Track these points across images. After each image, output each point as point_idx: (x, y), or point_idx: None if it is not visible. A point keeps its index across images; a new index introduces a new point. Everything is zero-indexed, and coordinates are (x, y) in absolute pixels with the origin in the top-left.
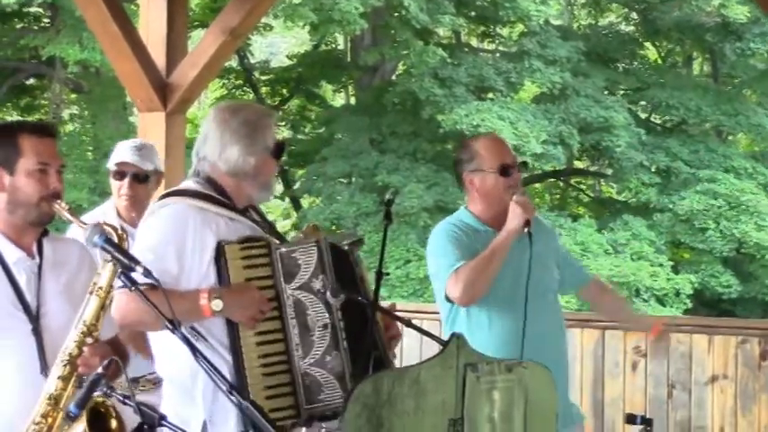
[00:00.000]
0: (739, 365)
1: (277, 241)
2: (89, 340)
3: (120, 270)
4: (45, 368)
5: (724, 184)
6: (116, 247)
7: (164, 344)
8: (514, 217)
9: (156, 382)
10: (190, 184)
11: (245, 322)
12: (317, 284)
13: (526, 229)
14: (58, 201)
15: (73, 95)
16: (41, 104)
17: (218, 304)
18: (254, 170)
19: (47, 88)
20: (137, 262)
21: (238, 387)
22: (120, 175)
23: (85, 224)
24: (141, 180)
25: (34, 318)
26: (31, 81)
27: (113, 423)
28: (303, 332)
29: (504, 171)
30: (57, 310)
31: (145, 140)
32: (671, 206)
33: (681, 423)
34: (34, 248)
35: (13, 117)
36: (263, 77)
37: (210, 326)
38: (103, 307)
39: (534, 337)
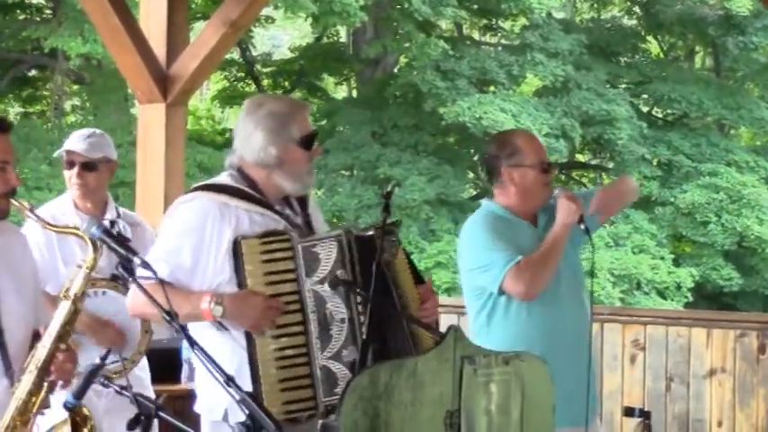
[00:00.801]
0: (738, 359)
1: (300, 234)
2: (62, 346)
3: (117, 262)
4: (8, 367)
5: (726, 177)
6: (114, 238)
7: (201, 332)
8: (569, 213)
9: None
10: (223, 177)
11: (248, 329)
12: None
13: (582, 225)
14: (15, 197)
15: (75, 87)
16: (43, 96)
17: (218, 310)
18: (277, 160)
19: (49, 80)
20: (134, 253)
21: (253, 380)
22: (69, 164)
23: (48, 223)
24: (90, 169)
25: None
26: (33, 72)
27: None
28: (322, 326)
29: (544, 168)
30: (11, 306)
31: (97, 129)
32: (672, 199)
33: (679, 416)
34: None
35: (15, 108)
36: (265, 70)
37: None
38: (76, 311)
39: (571, 330)
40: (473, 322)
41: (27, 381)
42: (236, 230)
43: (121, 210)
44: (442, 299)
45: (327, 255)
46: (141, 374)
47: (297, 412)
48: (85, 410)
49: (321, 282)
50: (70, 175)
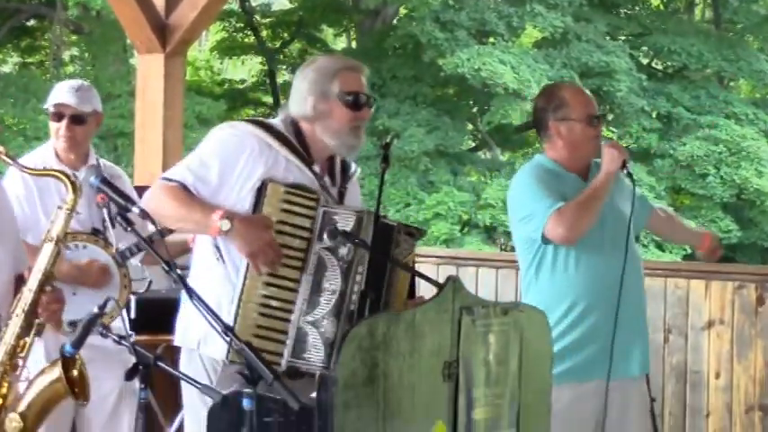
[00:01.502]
0: (736, 311)
1: (328, 200)
2: (47, 288)
3: (116, 211)
4: None
5: (725, 130)
6: (112, 187)
7: (199, 251)
8: (612, 159)
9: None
10: (276, 121)
11: (246, 256)
12: (344, 251)
13: (625, 170)
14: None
15: (73, 37)
16: (42, 46)
17: (226, 224)
18: (314, 112)
19: (47, 30)
20: (133, 202)
21: (234, 316)
22: (57, 116)
23: (25, 167)
24: (79, 122)
25: None
26: (32, 22)
27: (74, 372)
28: (314, 290)
29: (592, 121)
30: None
31: (84, 81)
32: (671, 152)
33: (677, 368)
34: None
35: (14, 58)
36: (264, 20)
37: (234, 251)
38: (59, 254)
39: (618, 281)
40: (523, 278)
41: (14, 324)
42: (268, 171)
43: (102, 161)
44: (440, 250)
45: (343, 226)
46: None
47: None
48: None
49: (328, 249)
50: (58, 128)
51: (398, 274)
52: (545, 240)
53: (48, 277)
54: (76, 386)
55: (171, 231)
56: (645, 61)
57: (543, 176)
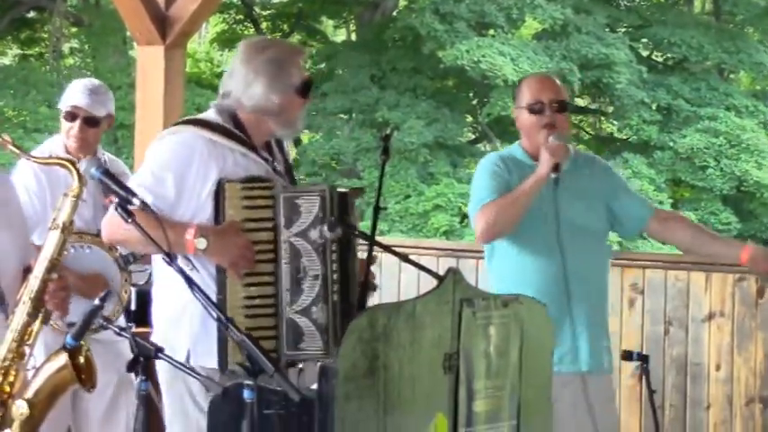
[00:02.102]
0: (736, 303)
1: (284, 184)
2: (53, 276)
3: (117, 202)
4: (2, 302)
5: (725, 122)
6: (113, 178)
7: (163, 266)
8: (543, 162)
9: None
10: (210, 114)
11: (227, 267)
12: (315, 234)
13: (554, 175)
14: (2, 135)
15: (73, 29)
16: (42, 38)
17: (201, 242)
18: (278, 108)
19: (47, 22)
20: (133, 194)
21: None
22: (71, 116)
23: (32, 155)
24: (92, 124)
25: None
26: (32, 14)
27: (81, 360)
28: (294, 279)
29: (534, 109)
30: (3, 243)
31: (100, 82)
32: (671, 144)
33: (677, 360)
34: None
35: (14, 50)
36: (264, 12)
37: (204, 259)
38: (65, 242)
39: (570, 277)
40: (487, 266)
41: (21, 312)
42: (221, 170)
43: (106, 156)
44: (441, 242)
45: (309, 208)
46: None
47: None
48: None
49: (298, 235)
50: (70, 128)
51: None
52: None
53: (54, 264)
54: (83, 373)
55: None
56: (645, 53)
57: (496, 168)
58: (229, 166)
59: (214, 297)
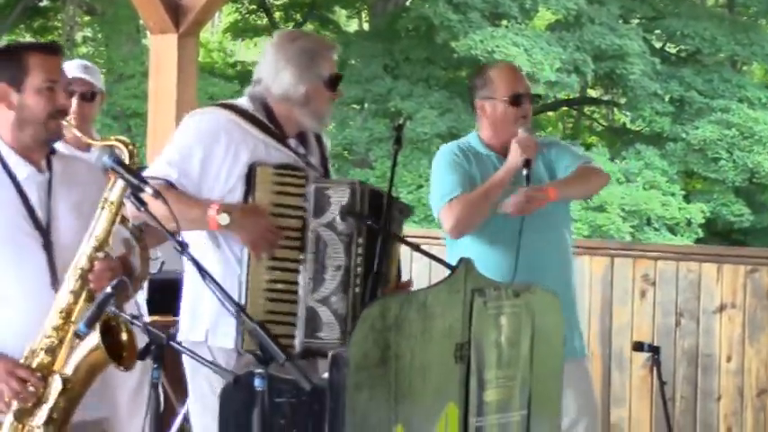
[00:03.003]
0: (748, 294)
1: (316, 175)
2: (100, 255)
3: (129, 191)
4: (55, 282)
5: (737, 114)
6: (125, 167)
7: (192, 245)
8: (514, 156)
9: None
10: (242, 101)
11: (248, 246)
12: (342, 226)
13: (525, 172)
14: (67, 118)
15: (86, 18)
16: (55, 26)
17: (224, 218)
18: (304, 98)
19: (60, 10)
20: (146, 182)
21: (241, 302)
22: (68, 93)
23: (95, 139)
24: (89, 98)
25: (45, 232)
26: (45, 3)
27: (123, 336)
28: (318, 268)
29: (515, 101)
30: (67, 226)
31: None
32: (684, 136)
33: (688, 351)
34: (44, 165)
35: (27, 39)
36: (277, 2)
37: (231, 240)
38: (114, 221)
39: (532, 269)
40: (448, 252)
41: (66, 288)
42: (252, 155)
43: None
44: None
45: (339, 200)
46: (140, 300)
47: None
48: (119, 317)
49: (326, 225)
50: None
51: (394, 246)
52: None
53: (101, 243)
54: (124, 350)
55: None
56: (658, 45)
57: (456, 159)
58: (260, 152)
59: (234, 275)
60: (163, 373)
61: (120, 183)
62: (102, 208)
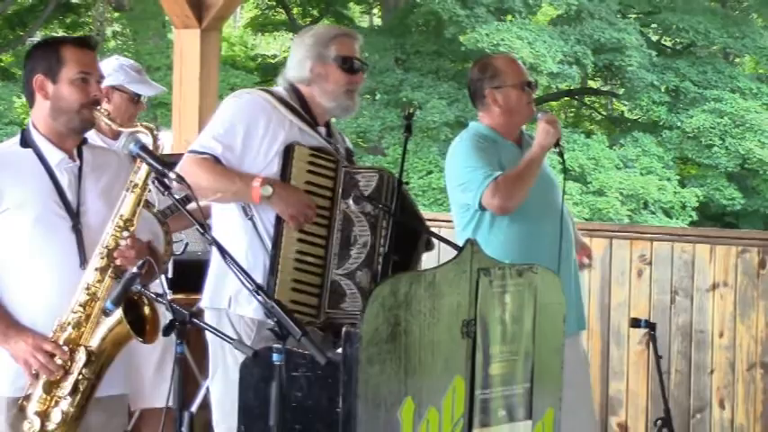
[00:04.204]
0: (739, 274)
1: (344, 161)
2: (125, 234)
3: (153, 176)
4: (84, 262)
5: (730, 103)
6: (150, 153)
7: (221, 217)
8: (547, 135)
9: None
10: (278, 89)
11: (286, 218)
12: (369, 207)
13: (557, 148)
14: (99, 108)
15: (115, 14)
16: (86, 22)
17: (267, 190)
18: (311, 75)
19: (91, 7)
20: (170, 168)
21: (270, 272)
22: (131, 100)
23: (124, 128)
24: (137, 99)
25: (74, 215)
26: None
27: (147, 310)
28: (344, 244)
29: (525, 87)
30: (95, 210)
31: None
32: (679, 124)
33: (682, 327)
34: (75, 153)
35: (59, 34)
36: None
37: (263, 211)
38: (139, 203)
39: (554, 244)
40: (459, 236)
41: (93, 266)
42: (288, 136)
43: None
44: None
45: (367, 184)
46: (163, 279)
47: (299, 314)
48: (143, 294)
49: (354, 202)
50: (122, 106)
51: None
52: (482, 208)
53: (126, 223)
54: (148, 324)
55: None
56: (654, 38)
57: (481, 144)
58: (295, 135)
59: (263, 248)
60: (186, 348)
61: (145, 167)
62: (128, 190)
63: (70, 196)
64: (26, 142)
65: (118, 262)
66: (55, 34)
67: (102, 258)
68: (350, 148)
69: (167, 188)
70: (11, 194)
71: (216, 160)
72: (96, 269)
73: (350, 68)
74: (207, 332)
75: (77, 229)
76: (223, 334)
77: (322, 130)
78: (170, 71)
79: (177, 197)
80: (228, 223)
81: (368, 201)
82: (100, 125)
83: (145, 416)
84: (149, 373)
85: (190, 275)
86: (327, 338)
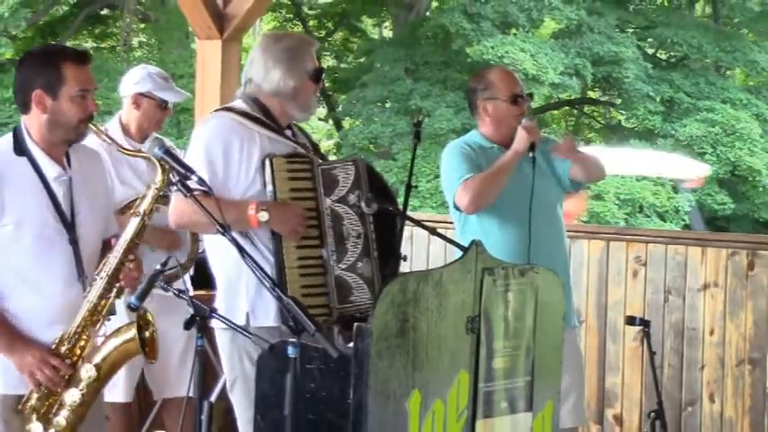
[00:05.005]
0: (729, 275)
1: (319, 159)
2: (130, 257)
3: (177, 179)
4: (81, 274)
5: (721, 113)
6: (174, 157)
7: (215, 243)
8: (521, 140)
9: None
10: (238, 103)
11: (286, 235)
12: (353, 198)
13: (531, 153)
14: (93, 121)
15: (141, 25)
16: (113, 32)
17: (264, 216)
18: (293, 91)
19: (118, 18)
20: (192, 171)
21: (279, 285)
22: (158, 106)
23: (123, 148)
24: (165, 107)
25: (71, 228)
26: (105, 11)
27: (148, 333)
28: (338, 240)
29: (515, 100)
30: (87, 222)
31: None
32: (673, 132)
33: (675, 325)
34: (65, 161)
35: (89, 43)
36: (311, 12)
37: (258, 231)
38: (143, 227)
39: (538, 243)
40: (457, 238)
41: (98, 286)
42: (262, 149)
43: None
44: None
45: (345, 177)
46: (185, 278)
47: (315, 317)
48: (149, 316)
49: (338, 200)
50: (149, 111)
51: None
52: (457, 208)
53: (131, 248)
54: (148, 346)
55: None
56: (650, 51)
57: (464, 150)
58: (266, 146)
59: (267, 262)
60: (206, 340)
61: (152, 194)
62: (134, 216)
63: (65, 208)
64: (21, 149)
65: (123, 283)
66: (86, 44)
67: (107, 278)
68: (314, 141)
69: (190, 190)
70: (11, 208)
71: (205, 195)
72: (102, 288)
73: (318, 78)
74: (220, 351)
75: (74, 242)
76: (241, 328)
77: (288, 133)
78: (193, 79)
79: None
80: (221, 249)
81: (378, 203)
82: (129, 129)
83: (166, 405)
84: (173, 364)
85: (209, 273)
86: (334, 332)
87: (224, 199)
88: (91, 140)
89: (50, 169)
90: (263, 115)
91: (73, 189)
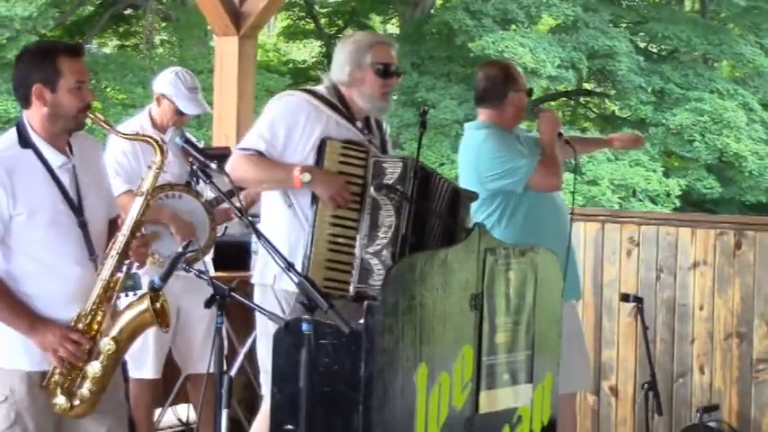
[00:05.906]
0: (717, 254)
1: (376, 151)
2: (137, 234)
3: (197, 166)
4: (92, 254)
5: (709, 103)
6: (194, 146)
7: (265, 211)
8: (548, 130)
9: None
10: (320, 87)
11: (325, 200)
12: (393, 193)
13: (563, 138)
14: (91, 110)
15: (163, 24)
16: (137, 31)
17: (306, 176)
18: (350, 78)
19: (141, 17)
20: (211, 159)
21: (306, 251)
22: (180, 113)
23: (120, 132)
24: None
25: (79, 212)
26: (128, 11)
27: (159, 305)
28: (372, 227)
29: (529, 93)
30: (92, 202)
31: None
32: (664, 121)
33: (667, 301)
34: (67, 150)
35: (113, 41)
36: (323, 10)
37: (302, 200)
38: (148, 206)
39: (559, 224)
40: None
41: (109, 264)
42: (324, 131)
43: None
44: None
45: (392, 171)
46: (207, 260)
47: (332, 289)
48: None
49: (381, 191)
50: (172, 116)
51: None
52: (525, 190)
53: (138, 225)
54: (160, 316)
55: (240, 190)
56: (642, 45)
57: (507, 138)
58: (331, 129)
59: (302, 230)
60: (226, 319)
61: (152, 173)
62: (137, 195)
63: (72, 194)
64: (26, 142)
65: (132, 259)
66: (111, 43)
67: (117, 258)
68: (385, 138)
69: (209, 177)
70: (23, 199)
71: (260, 155)
72: (112, 267)
73: (384, 73)
74: (255, 295)
75: (83, 224)
76: (259, 307)
77: (359, 124)
78: (211, 74)
79: (223, 190)
80: (274, 211)
81: (387, 189)
82: (155, 121)
83: (192, 379)
84: (198, 341)
85: (229, 255)
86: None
87: (272, 161)
88: (133, 125)
89: (55, 158)
90: (339, 102)
91: (77, 175)
